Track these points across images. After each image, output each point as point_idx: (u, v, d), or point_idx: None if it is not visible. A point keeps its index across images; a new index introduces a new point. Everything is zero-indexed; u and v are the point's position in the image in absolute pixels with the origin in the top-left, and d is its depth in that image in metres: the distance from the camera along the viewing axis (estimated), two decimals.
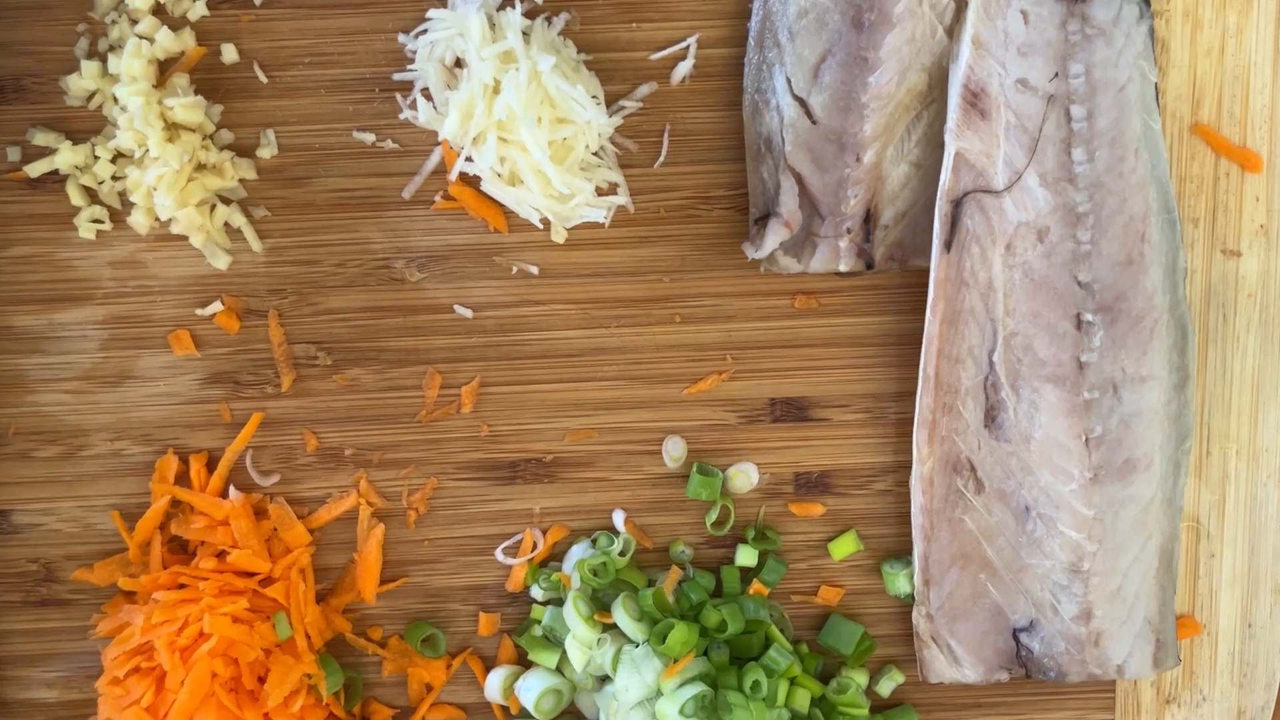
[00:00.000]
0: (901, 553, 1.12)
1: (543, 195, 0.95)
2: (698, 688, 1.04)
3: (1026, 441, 1.04)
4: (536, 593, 1.10)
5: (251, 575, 1.07)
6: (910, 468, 1.08)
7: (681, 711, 1.03)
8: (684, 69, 1.02)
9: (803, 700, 1.09)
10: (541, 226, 1.04)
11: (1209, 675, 1.14)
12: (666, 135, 1.05)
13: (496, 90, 0.93)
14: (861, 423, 1.10)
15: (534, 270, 1.07)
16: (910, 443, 1.07)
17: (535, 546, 1.10)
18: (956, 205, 0.99)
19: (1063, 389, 1.02)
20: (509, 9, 0.96)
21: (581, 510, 1.11)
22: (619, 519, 1.11)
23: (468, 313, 1.07)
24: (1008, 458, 1.05)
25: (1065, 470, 1.03)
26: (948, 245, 1.00)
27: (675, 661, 1.05)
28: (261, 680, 1.05)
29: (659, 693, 1.05)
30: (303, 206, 1.05)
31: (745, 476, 1.10)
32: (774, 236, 0.98)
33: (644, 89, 1.03)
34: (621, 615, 1.06)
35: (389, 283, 1.06)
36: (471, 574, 1.11)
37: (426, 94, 1.00)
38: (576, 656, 1.07)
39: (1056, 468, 1.04)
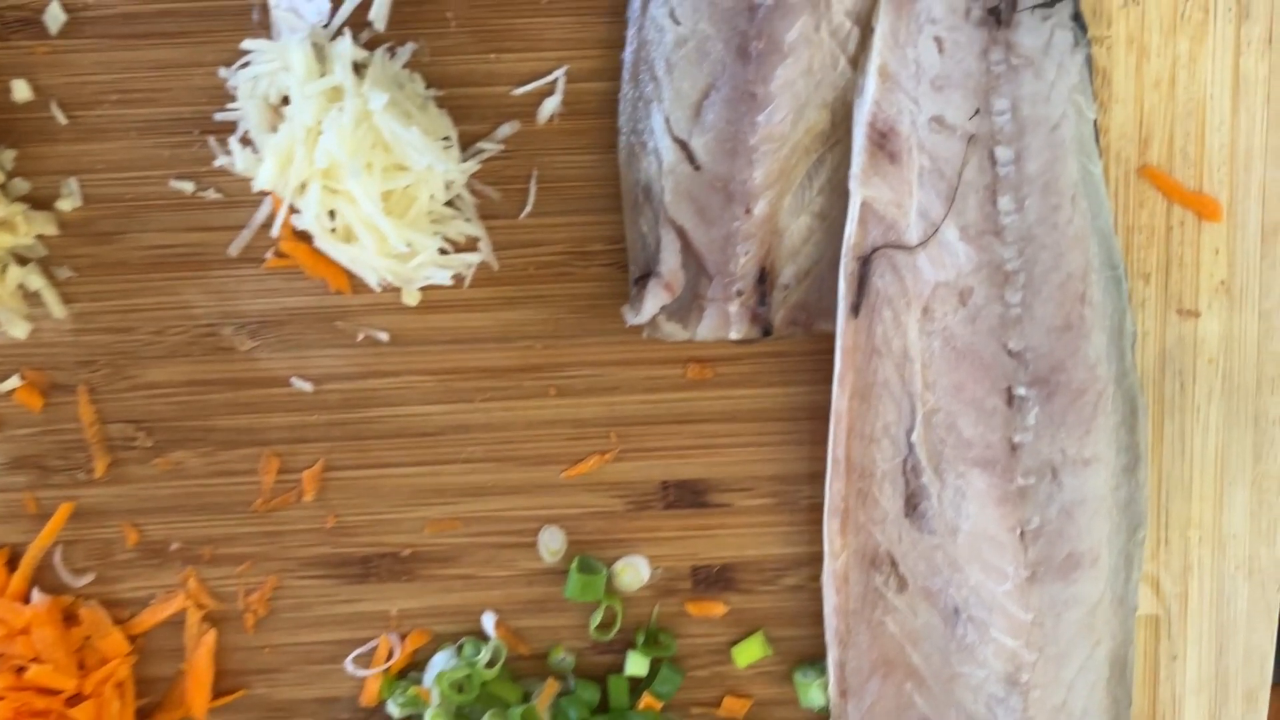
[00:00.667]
0: (816, 658, 0.98)
1: (379, 253, 0.82)
2: None
3: (953, 534, 0.90)
4: (393, 709, 0.96)
5: (56, 693, 0.93)
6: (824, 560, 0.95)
7: None
8: (551, 105, 0.89)
9: None
10: (383, 289, 0.91)
11: None
12: (534, 182, 0.92)
13: (321, 132, 0.80)
14: (767, 509, 0.96)
15: (383, 337, 0.93)
16: (823, 532, 0.94)
17: (391, 655, 0.96)
18: (864, 263, 0.86)
19: (993, 474, 0.88)
20: (340, 38, 0.83)
21: (446, 612, 0.96)
22: (489, 622, 0.96)
23: (307, 386, 0.93)
24: (933, 552, 0.91)
25: (998, 568, 0.90)
26: (855, 309, 0.87)
27: None
28: None
29: None
30: (114, 266, 0.92)
31: (635, 572, 0.96)
32: (654, 300, 0.85)
33: (506, 129, 0.90)
34: None
35: (216, 352, 0.93)
36: (320, 685, 0.97)
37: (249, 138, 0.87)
38: None
39: (988, 564, 0.90)
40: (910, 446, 0.89)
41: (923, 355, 0.87)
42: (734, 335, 0.86)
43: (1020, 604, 0.89)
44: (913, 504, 0.91)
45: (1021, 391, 0.87)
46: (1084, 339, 0.87)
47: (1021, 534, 0.89)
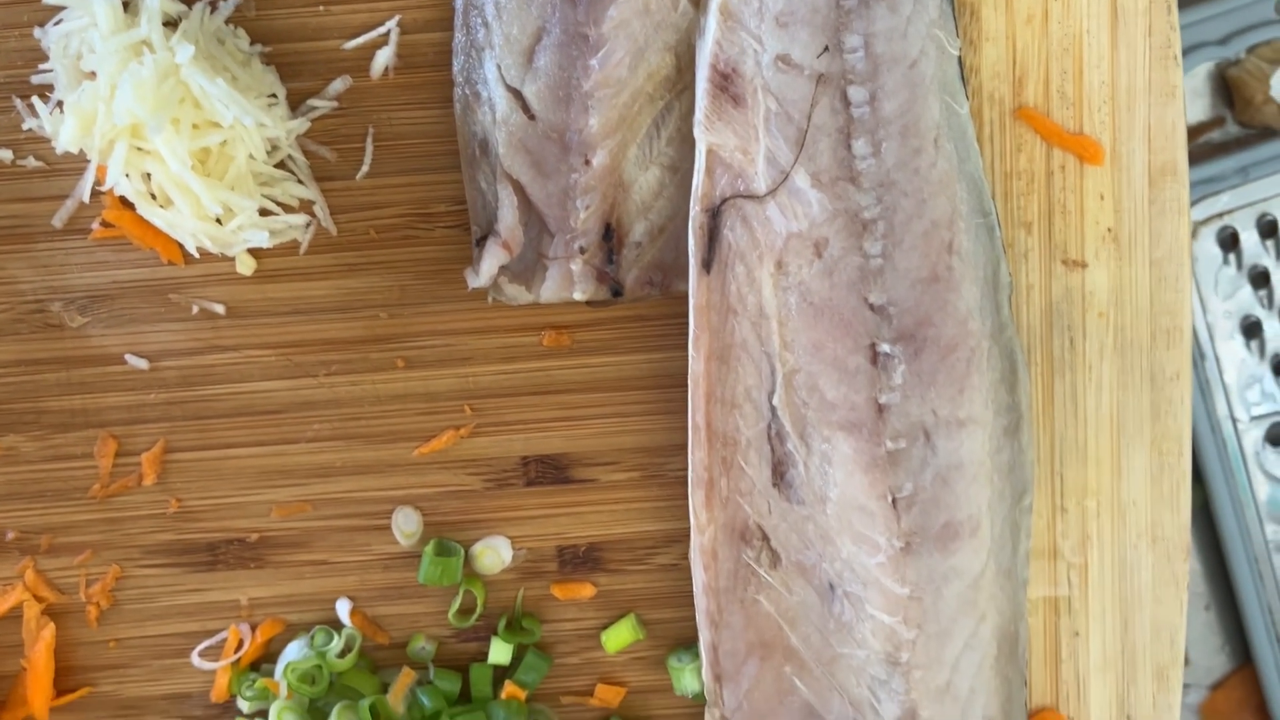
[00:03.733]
0: (692, 641, 0.92)
1: (193, 216, 0.77)
2: None
3: (822, 503, 0.85)
4: (242, 704, 0.91)
5: None
6: None
7: None
8: (385, 58, 0.84)
9: None
10: (221, 256, 0.86)
11: None
12: (370, 140, 0.87)
13: None
14: (634, 483, 0.91)
15: (219, 309, 0.88)
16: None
17: (241, 646, 0.91)
18: (713, 215, 0.81)
19: (859, 438, 0.83)
20: None
21: (298, 600, 0.91)
22: (343, 610, 0.91)
23: (142, 363, 0.89)
24: (803, 523, 0.86)
25: (869, 539, 0.84)
26: (707, 265, 0.82)
27: None
28: None
29: None
30: None
31: (495, 554, 0.91)
32: (492, 260, 0.80)
33: (338, 84, 0.85)
34: None
35: (45, 329, 0.88)
36: (171, 680, 0.92)
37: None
38: None
39: (859, 535, 0.84)
40: (773, 411, 0.84)
41: (779, 312, 0.81)
42: (579, 296, 0.81)
43: (895, 577, 0.84)
44: (780, 472, 0.85)
45: (886, 349, 0.81)
46: (953, 291, 0.81)
47: (893, 502, 0.83)
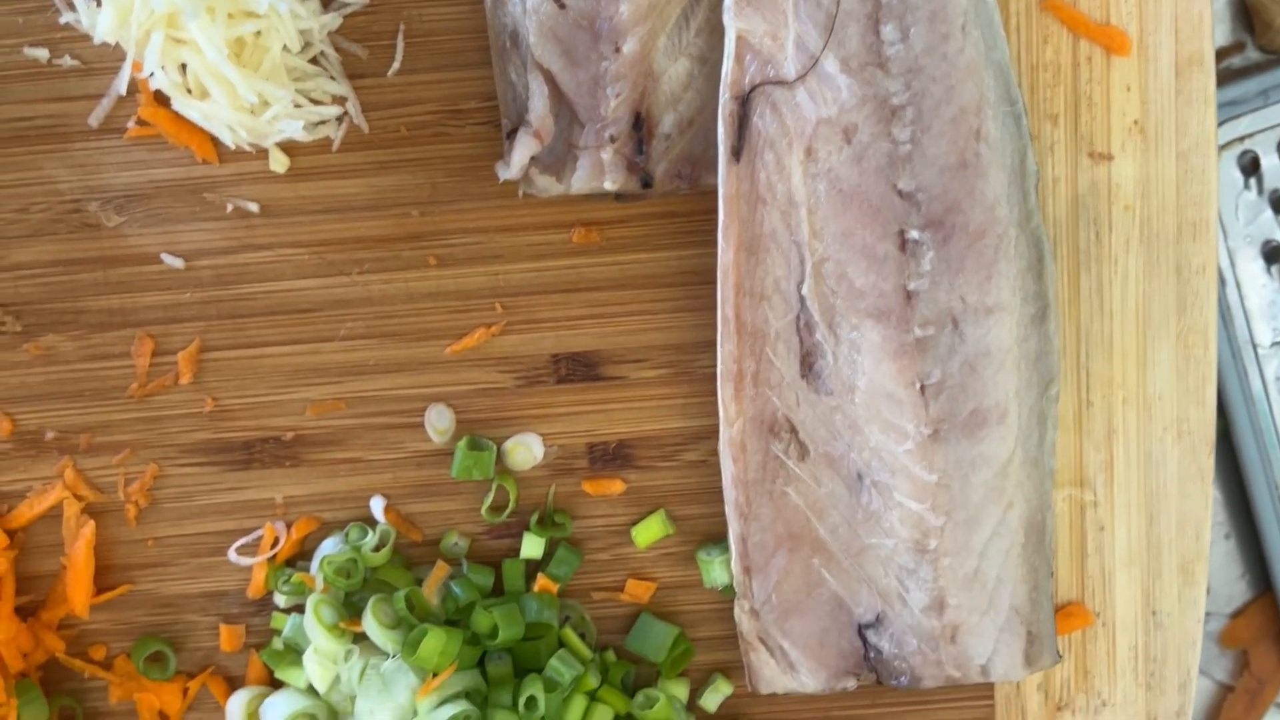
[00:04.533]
0: (721, 536, 0.94)
1: (230, 107, 0.78)
2: (459, 707, 0.86)
3: (850, 393, 0.85)
4: (279, 599, 0.93)
5: None
6: None
7: None
8: None
9: (604, 718, 0.91)
10: (254, 152, 0.87)
11: (1107, 675, 0.95)
12: (401, 36, 0.87)
13: None
14: (663, 380, 0.92)
15: (253, 208, 0.89)
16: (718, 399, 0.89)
17: (277, 543, 0.92)
18: (743, 102, 0.81)
19: (887, 325, 0.83)
20: None
21: (333, 498, 0.92)
22: (377, 507, 0.92)
23: (178, 262, 0.90)
24: (831, 414, 0.87)
25: (898, 426, 0.85)
26: (736, 153, 0.82)
27: (433, 675, 0.87)
28: None
29: (415, 715, 0.87)
30: None
31: (527, 450, 0.92)
32: (523, 149, 0.80)
33: None
34: (371, 622, 0.88)
35: (82, 230, 0.89)
36: (208, 578, 0.94)
37: None
38: (317, 674, 0.88)
39: (887, 423, 0.85)
40: (802, 301, 0.84)
41: (808, 200, 0.82)
42: (609, 186, 0.82)
43: (923, 464, 0.85)
44: (808, 364, 0.86)
45: (914, 235, 0.82)
46: (981, 178, 0.82)
47: (921, 389, 0.84)
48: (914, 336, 0.83)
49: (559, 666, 0.87)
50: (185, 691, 0.93)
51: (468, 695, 0.87)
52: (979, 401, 0.84)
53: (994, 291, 0.83)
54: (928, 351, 0.83)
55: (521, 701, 0.86)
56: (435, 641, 0.85)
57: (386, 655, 0.87)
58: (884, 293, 0.83)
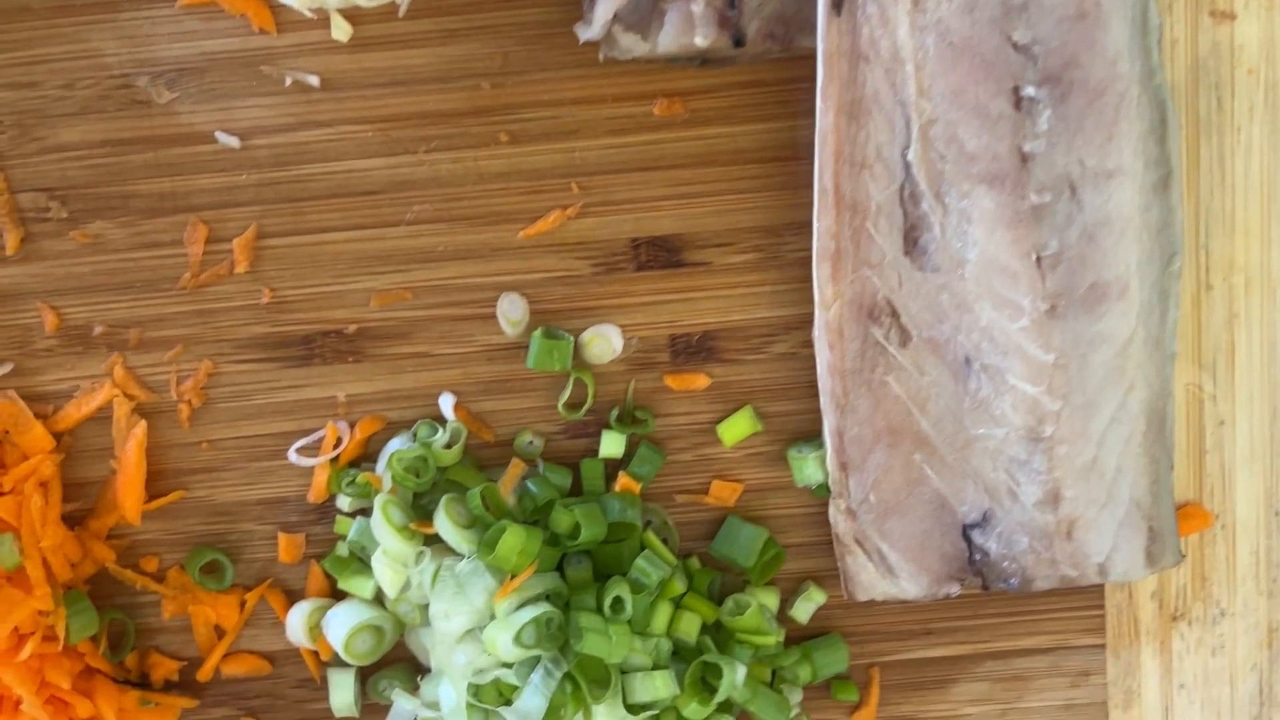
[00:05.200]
0: (812, 435, 0.88)
1: None
2: (539, 609, 0.80)
3: (959, 268, 0.79)
4: (343, 502, 0.87)
5: None
6: None
7: (517, 640, 0.79)
8: None
9: (690, 626, 0.85)
10: (315, 19, 0.82)
11: (1226, 582, 0.89)
12: None
13: None
14: (751, 265, 0.86)
15: (314, 81, 0.83)
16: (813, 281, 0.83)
17: (340, 444, 0.87)
18: None
19: (1001, 191, 0.77)
20: None
21: (399, 396, 0.87)
22: (446, 404, 0.87)
23: (234, 141, 0.84)
24: (937, 293, 0.81)
25: (1012, 301, 0.79)
26: (837, 5, 0.76)
27: (511, 577, 0.81)
28: None
29: (492, 618, 0.81)
30: (14, 12, 0.82)
31: (605, 342, 0.87)
32: (606, 4, 0.75)
33: None
34: (444, 521, 0.82)
35: (132, 106, 0.84)
36: (266, 484, 0.88)
37: None
38: (387, 579, 0.83)
39: (1000, 299, 0.79)
40: (906, 168, 0.79)
41: (915, 56, 0.76)
42: (700, 42, 0.76)
43: (1040, 342, 0.79)
44: (912, 238, 0.80)
45: (1031, 92, 0.76)
46: (1101, 29, 0.76)
47: (1037, 260, 0.78)
48: (1030, 203, 0.77)
49: (645, 567, 0.81)
50: (242, 604, 0.88)
51: (548, 599, 0.81)
52: (1099, 274, 0.78)
53: (1114, 154, 0.77)
54: (1044, 220, 0.77)
55: (607, 604, 0.80)
56: (514, 539, 0.79)
57: (460, 558, 0.82)
58: (997, 156, 0.77)
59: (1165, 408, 0.81)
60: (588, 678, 0.80)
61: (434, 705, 0.82)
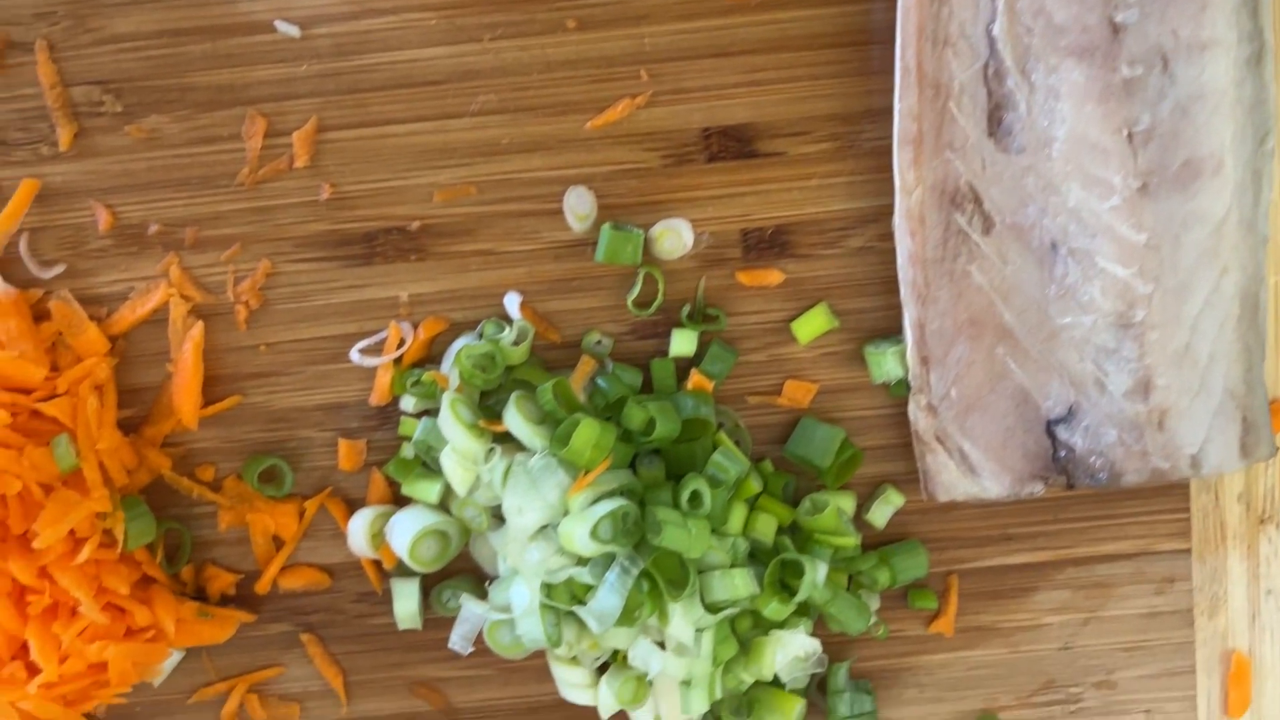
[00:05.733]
0: (889, 332, 0.85)
1: None
2: (615, 503, 0.78)
3: (1046, 147, 0.77)
4: (407, 403, 0.85)
5: (26, 391, 0.82)
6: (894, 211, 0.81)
7: (594, 534, 0.77)
8: None
9: (767, 527, 0.82)
10: None
11: None
12: None
13: None
14: (826, 155, 0.83)
15: None
16: (893, 177, 0.81)
17: (403, 344, 0.85)
18: None
19: (1092, 64, 0.75)
20: None
21: (463, 296, 0.84)
22: (512, 304, 0.84)
23: (293, 30, 0.82)
24: (1022, 176, 0.78)
25: (1102, 179, 0.76)
26: None
27: (585, 472, 0.79)
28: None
29: (566, 514, 0.79)
30: None
31: (676, 236, 0.84)
32: None
33: None
34: (515, 417, 0.80)
35: None
36: (326, 388, 0.85)
37: None
38: (457, 477, 0.80)
39: (1090, 178, 0.77)
40: (991, 44, 0.76)
41: None
42: None
43: (1131, 222, 0.76)
44: (996, 119, 0.78)
45: None
46: None
47: (1129, 136, 0.75)
48: (1121, 77, 0.75)
49: (722, 462, 0.79)
50: (301, 513, 0.85)
51: (620, 493, 0.79)
52: (1192, 150, 0.76)
53: (1208, 25, 0.75)
54: (1136, 94, 0.75)
55: (684, 500, 0.78)
56: (589, 432, 0.77)
57: (531, 456, 0.80)
58: (1088, 27, 0.74)
59: (1259, 293, 0.79)
60: (665, 576, 0.77)
61: (504, 609, 0.80)
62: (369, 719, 0.88)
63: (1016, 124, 0.77)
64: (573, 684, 0.83)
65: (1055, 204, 0.77)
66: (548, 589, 0.78)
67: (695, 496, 0.77)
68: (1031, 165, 0.77)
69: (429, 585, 0.86)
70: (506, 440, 0.80)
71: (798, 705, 0.82)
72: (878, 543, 0.86)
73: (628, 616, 0.77)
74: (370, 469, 0.85)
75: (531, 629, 0.77)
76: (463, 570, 0.86)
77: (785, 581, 0.80)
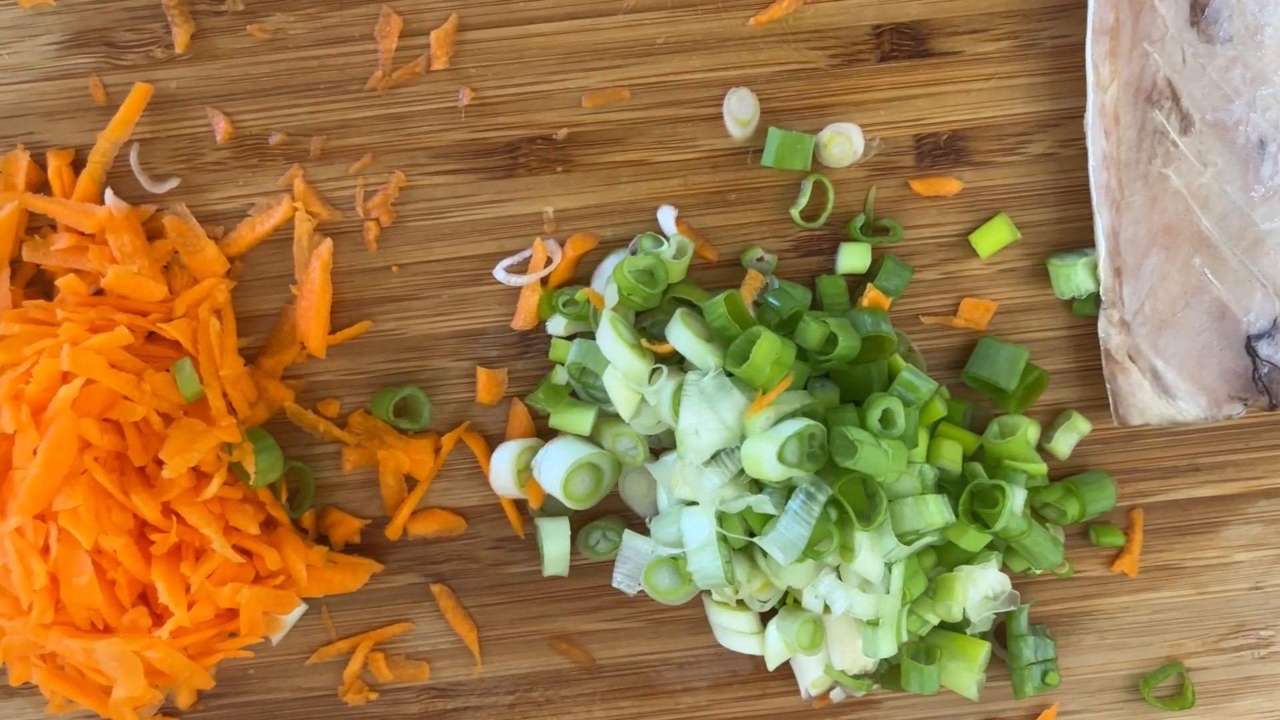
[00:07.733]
0: (1074, 246, 0.79)
1: None
2: (801, 423, 0.71)
3: (1254, 35, 0.72)
4: (556, 325, 0.78)
5: (143, 314, 0.75)
6: (1081, 115, 0.75)
7: (781, 457, 0.70)
8: None
9: (953, 453, 0.76)
10: None
11: None
12: None
13: None
14: (1006, 55, 0.77)
15: None
16: (1078, 81, 0.74)
17: (550, 263, 0.78)
18: None
19: None
20: None
21: (613, 211, 0.78)
22: (667, 218, 0.78)
23: None
24: (1228, 69, 0.73)
25: None
26: None
27: (763, 392, 0.72)
28: (160, 464, 0.73)
29: (744, 436, 0.73)
30: None
31: (846, 142, 0.78)
32: None
33: None
34: (682, 333, 0.73)
35: None
36: (463, 313, 0.79)
37: None
38: (622, 399, 0.74)
39: None
40: None
41: None
42: None
43: None
44: (1200, 7, 0.73)
45: None
46: None
47: None
48: None
49: (911, 380, 0.72)
50: (437, 450, 0.79)
51: (802, 414, 0.73)
52: None
53: None
54: None
55: (874, 419, 0.72)
56: (768, 347, 0.70)
57: (700, 372, 0.73)
58: None
59: None
60: (853, 503, 0.71)
61: (672, 544, 0.73)
62: (504, 678, 0.81)
63: (1223, 11, 0.71)
64: (737, 630, 0.76)
65: (1265, 97, 0.72)
66: (721, 518, 0.71)
67: (887, 416, 0.71)
68: (1239, 56, 0.72)
69: (574, 529, 0.80)
70: (667, 363, 0.74)
71: (983, 649, 0.76)
72: (1058, 475, 0.80)
73: (811, 548, 0.70)
74: (511, 401, 0.79)
75: (707, 563, 0.70)
76: (608, 512, 0.80)
77: (976, 513, 0.74)
